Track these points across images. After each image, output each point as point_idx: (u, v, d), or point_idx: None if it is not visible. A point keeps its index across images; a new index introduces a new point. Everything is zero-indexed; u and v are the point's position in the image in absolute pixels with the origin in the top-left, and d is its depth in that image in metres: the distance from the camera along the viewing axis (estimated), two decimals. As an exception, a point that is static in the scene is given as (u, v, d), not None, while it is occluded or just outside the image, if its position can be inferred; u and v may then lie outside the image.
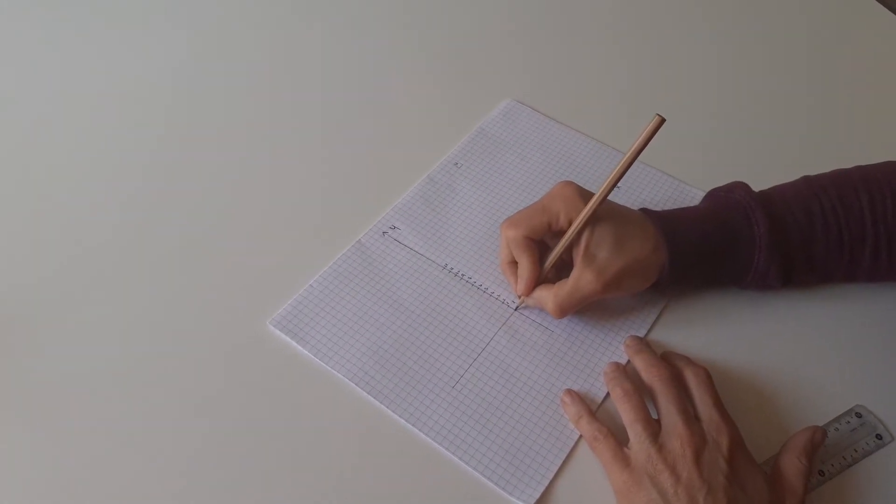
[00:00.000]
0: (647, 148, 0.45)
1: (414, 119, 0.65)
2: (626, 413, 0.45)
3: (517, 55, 0.72)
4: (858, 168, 0.51)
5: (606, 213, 0.48)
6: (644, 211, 0.51)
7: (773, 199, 0.50)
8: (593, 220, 0.48)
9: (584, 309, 0.51)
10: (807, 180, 0.51)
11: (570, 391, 0.48)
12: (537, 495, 0.43)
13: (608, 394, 0.47)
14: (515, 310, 0.52)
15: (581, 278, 0.48)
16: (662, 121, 0.44)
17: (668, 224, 0.49)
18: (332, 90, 0.68)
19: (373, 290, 0.53)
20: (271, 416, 0.46)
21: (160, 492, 0.43)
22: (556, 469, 0.45)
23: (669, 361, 0.47)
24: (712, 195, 0.53)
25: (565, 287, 0.48)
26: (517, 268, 0.51)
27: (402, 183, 0.60)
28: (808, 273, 0.51)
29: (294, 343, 0.50)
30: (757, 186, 0.52)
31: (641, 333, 0.51)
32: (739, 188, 0.51)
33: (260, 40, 0.73)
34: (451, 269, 0.54)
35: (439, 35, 0.74)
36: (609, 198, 0.49)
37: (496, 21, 0.75)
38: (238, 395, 0.47)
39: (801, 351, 0.51)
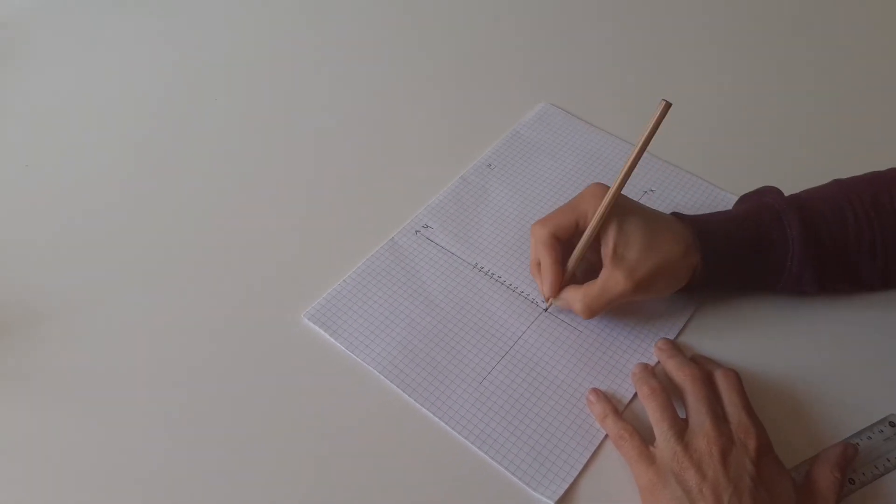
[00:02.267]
0: (681, 152, 0.45)
1: (449, 121, 0.66)
2: (652, 411, 0.45)
3: (553, 58, 0.72)
4: (894, 170, 0.51)
5: (635, 214, 0.48)
6: (675, 214, 0.51)
7: (805, 203, 0.49)
8: (621, 220, 0.48)
9: (614, 310, 0.51)
10: (839, 184, 0.51)
11: (595, 390, 0.48)
12: (561, 492, 0.44)
13: (635, 394, 0.48)
14: (545, 311, 0.52)
15: (610, 279, 0.48)
16: (668, 105, 0.44)
17: (700, 226, 0.49)
18: (373, 91, 0.69)
19: (404, 287, 0.54)
20: (303, 406, 0.48)
21: (193, 477, 0.45)
22: (581, 466, 0.45)
23: (699, 364, 0.47)
24: (744, 199, 0.53)
25: (594, 288, 0.48)
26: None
27: (436, 183, 0.61)
28: (842, 279, 0.50)
29: (327, 335, 0.51)
30: (791, 190, 0.51)
31: (671, 336, 0.51)
32: (771, 192, 0.51)
33: (305, 36, 0.74)
34: (482, 268, 0.55)
35: (478, 38, 0.75)
36: (642, 201, 0.49)
37: (534, 24, 0.76)
38: (272, 384, 0.49)
39: (834, 358, 0.50)
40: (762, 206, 0.50)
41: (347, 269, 0.55)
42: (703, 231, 0.49)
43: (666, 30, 0.75)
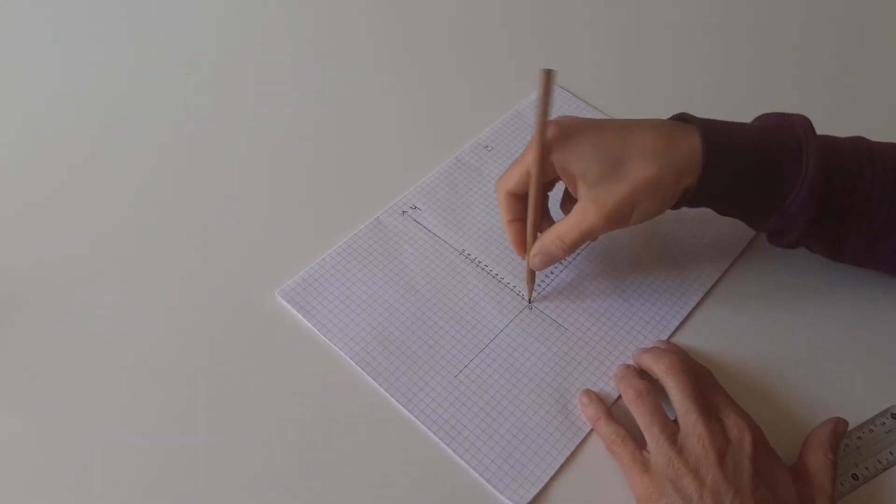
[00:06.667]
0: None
1: (447, 97, 0.63)
2: (640, 416, 0.42)
3: (563, 37, 0.69)
4: None
5: (594, 137, 0.43)
6: (683, 117, 0.45)
7: (833, 148, 0.43)
8: (575, 150, 0.43)
9: (601, 308, 0.48)
10: (868, 146, 0.45)
11: (588, 391, 0.45)
12: (530, 497, 0.41)
13: (620, 395, 0.45)
14: (528, 306, 0.49)
15: (580, 212, 0.43)
16: (549, 73, 0.40)
17: (711, 142, 0.42)
18: (366, 62, 0.66)
19: (385, 270, 0.51)
20: (267, 388, 0.46)
21: (159, 450, 0.43)
22: (553, 472, 0.42)
23: (673, 350, 0.45)
24: (766, 116, 0.46)
25: (565, 223, 0.44)
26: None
27: (429, 162, 0.58)
28: (826, 238, 0.45)
29: (300, 316, 0.49)
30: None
31: (665, 336, 0.48)
32: (800, 120, 0.44)
33: (293, 14, 0.71)
34: (469, 255, 0.52)
35: (485, 11, 0.71)
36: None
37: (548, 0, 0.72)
38: (237, 361, 0.47)
39: (834, 348, 0.48)
40: (784, 127, 0.44)
41: (328, 247, 0.52)
42: (714, 150, 0.42)
43: (691, 21, 0.71)
